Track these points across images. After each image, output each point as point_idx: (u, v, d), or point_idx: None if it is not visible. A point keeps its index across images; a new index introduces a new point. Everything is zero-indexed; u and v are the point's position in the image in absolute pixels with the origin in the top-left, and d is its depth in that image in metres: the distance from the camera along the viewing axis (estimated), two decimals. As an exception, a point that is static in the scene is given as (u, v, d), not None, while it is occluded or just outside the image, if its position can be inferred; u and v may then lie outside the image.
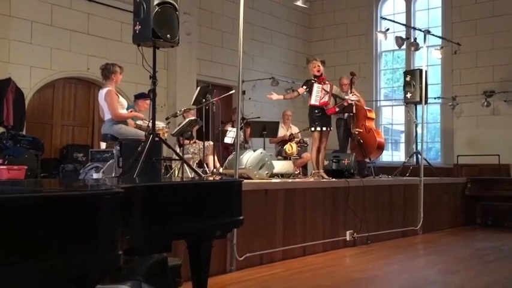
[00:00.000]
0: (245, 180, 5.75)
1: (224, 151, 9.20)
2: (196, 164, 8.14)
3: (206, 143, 7.54)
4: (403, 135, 13.52)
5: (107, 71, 5.83)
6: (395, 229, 7.45)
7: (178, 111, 6.70)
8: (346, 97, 7.05)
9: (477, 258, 5.94)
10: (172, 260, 3.72)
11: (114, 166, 5.19)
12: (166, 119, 6.42)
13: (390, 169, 9.88)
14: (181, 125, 6.84)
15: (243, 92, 12.29)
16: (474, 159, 10.90)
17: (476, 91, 11.24)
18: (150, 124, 4.90)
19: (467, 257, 6.02)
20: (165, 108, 10.64)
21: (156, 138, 4.98)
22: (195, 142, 8.21)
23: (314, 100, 6.84)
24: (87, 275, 2.09)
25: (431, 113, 12.36)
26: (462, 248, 6.78)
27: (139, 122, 5.74)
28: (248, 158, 6.26)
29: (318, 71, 7.02)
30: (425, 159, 8.67)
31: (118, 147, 5.20)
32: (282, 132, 9.01)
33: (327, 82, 6.99)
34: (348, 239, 6.56)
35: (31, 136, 7.66)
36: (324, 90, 6.88)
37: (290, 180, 5.98)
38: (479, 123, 11.35)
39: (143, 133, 5.43)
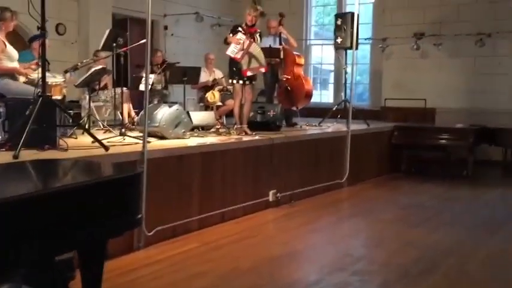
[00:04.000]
0: (157, 143, 5.18)
1: (142, 99, 8.47)
2: (109, 112, 7.42)
3: (120, 90, 6.80)
4: (332, 75, 13.20)
5: (-5, 17, 4.92)
6: (320, 184, 7.16)
7: (79, 63, 5.87)
8: (262, 66, 6.26)
9: (402, 222, 5.74)
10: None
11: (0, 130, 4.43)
12: (65, 72, 5.61)
13: (318, 111, 9.56)
14: (86, 75, 6.05)
15: (165, 27, 11.43)
16: (401, 102, 10.74)
17: (406, 33, 10.93)
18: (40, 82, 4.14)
19: (392, 220, 5.81)
20: (76, 45, 9.66)
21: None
22: (106, 88, 7.44)
23: (230, 51, 6.18)
24: None
25: (361, 53, 12.01)
26: (386, 206, 6.60)
27: (33, 76, 4.91)
28: (162, 115, 5.63)
29: (251, 21, 6.33)
30: (353, 108, 8.32)
31: (3, 108, 4.42)
32: (204, 77, 8.35)
33: (255, 36, 6.31)
34: (270, 200, 6.19)
35: None
36: (243, 44, 6.16)
37: (208, 143, 5.42)
38: (408, 66, 11.13)
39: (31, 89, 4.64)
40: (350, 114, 7.77)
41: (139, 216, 2.81)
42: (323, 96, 13.11)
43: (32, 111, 4.04)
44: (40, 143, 4.25)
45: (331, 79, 13.11)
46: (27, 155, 4.00)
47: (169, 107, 5.78)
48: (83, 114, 7.16)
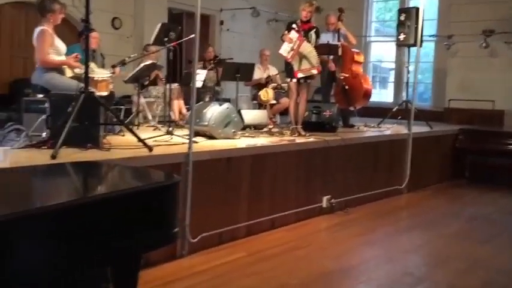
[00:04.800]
0: (204, 144, 4.92)
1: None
2: (161, 108, 7.24)
3: (171, 86, 6.60)
4: (392, 73, 12.63)
5: (43, 9, 4.76)
6: (378, 189, 6.72)
7: (127, 58, 5.67)
8: (314, 67, 5.82)
9: (467, 237, 5.24)
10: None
11: (44, 127, 4.26)
12: (113, 67, 5.42)
13: (377, 111, 9.09)
14: (135, 71, 5.85)
15: (221, 22, 11.22)
16: (467, 104, 10.10)
17: (474, 30, 10.23)
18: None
19: (456, 234, 5.32)
20: (132, 39, 9.57)
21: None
22: (158, 84, 7.26)
23: (282, 50, 5.83)
24: None
25: (423, 51, 11.39)
26: (449, 217, 6.09)
27: (77, 70, 4.74)
28: (212, 113, 5.35)
29: (306, 17, 5.97)
30: (415, 109, 7.78)
31: (48, 103, 4.26)
32: (258, 74, 8.03)
33: (310, 33, 5.93)
34: (324, 206, 5.81)
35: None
36: (295, 43, 5.80)
37: (259, 144, 5.09)
38: (475, 66, 10.43)
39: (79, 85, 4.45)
40: (412, 116, 7.27)
41: (176, 230, 2.53)
42: (382, 95, 12.57)
43: (73, 107, 3.84)
44: (82, 142, 4.05)
45: (391, 78, 12.55)
46: (68, 154, 3.81)
47: (220, 105, 5.49)
48: (133, 110, 7.02)
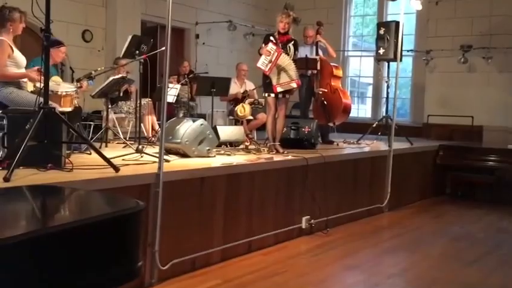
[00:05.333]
0: (176, 163, 4.62)
1: (168, 110, 7.96)
2: (132, 124, 6.92)
3: (143, 101, 6.30)
4: (370, 88, 12.51)
5: (1, 18, 4.43)
6: (359, 208, 6.48)
7: (93, 71, 5.34)
8: (293, 80, 5.58)
9: (453, 258, 5.01)
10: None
11: (0, 146, 3.91)
12: (78, 80, 5.10)
13: (356, 126, 8.91)
14: (103, 85, 5.53)
15: (197, 36, 10.96)
16: (446, 119, 9.99)
17: (452, 45, 10.17)
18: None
19: (442, 255, 5.09)
20: (104, 53, 9.25)
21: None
22: (129, 99, 6.94)
23: (260, 63, 5.59)
24: None
25: (401, 66, 11.29)
26: (433, 237, 5.87)
27: (39, 84, 4.39)
28: (185, 130, 5.05)
29: (283, 28, 5.73)
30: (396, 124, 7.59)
31: (5, 120, 3.92)
32: (234, 88, 7.77)
33: (288, 46, 5.70)
34: (303, 227, 5.54)
35: None
36: (272, 56, 5.56)
37: (235, 163, 4.81)
38: (453, 81, 10.36)
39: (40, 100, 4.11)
40: (393, 132, 7.07)
41: (139, 264, 2.22)
42: (360, 110, 12.41)
43: (31, 125, 3.51)
44: (42, 162, 3.72)
45: (369, 92, 12.43)
46: (25, 175, 3.48)
47: (193, 121, 5.20)
48: (103, 126, 6.69)
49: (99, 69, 5.53)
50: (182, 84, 7.56)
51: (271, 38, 5.69)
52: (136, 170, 4.09)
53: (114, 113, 6.83)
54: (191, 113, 7.64)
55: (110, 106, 6.79)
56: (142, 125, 6.79)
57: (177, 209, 4.10)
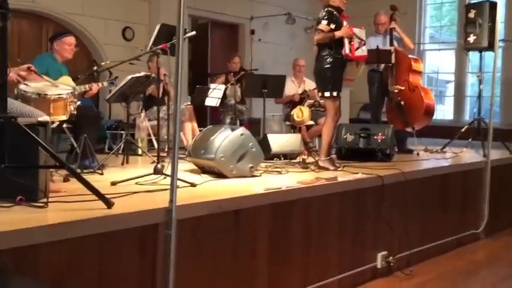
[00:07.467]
0: (205, 187, 3.46)
1: (213, 115, 6.86)
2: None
3: (181, 105, 5.23)
4: (449, 86, 10.98)
5: None
6: (448, 237, 5.10)
7: (96, 67, 4.26)
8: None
9: None
10: None
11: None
12: (76, 79, 4.03)
13: (437, 130, 7.50)
14: (118, 87, 4.45)
15: (252, 32, 9.85)
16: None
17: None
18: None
19: None
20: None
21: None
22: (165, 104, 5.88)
23: (348, 49, 4.40)
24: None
25: (487, 59, 9.75)
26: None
27: (22, 87, 3.32)
28: (220, 142, 3.87)
29: (344, 3, 4.56)
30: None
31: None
32: (291, 88, 6.56)
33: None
34: (379, 266, 4.25)
35: None
36: (357, 36, 4.45)
37: (284, 187, 3.56)
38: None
39: (37, 112, 3.06)
40: (490, 139, 5.62)
41: None
42: (439, 112, 10.88)
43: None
44: (9, 194, 2.66)
45: (449, 91, 10.90)
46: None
47: (232, 130, 4.01)
48: (136, 136, 5.67)
49: (103, 64, 4.45)
50: (231, 84, 6.46)
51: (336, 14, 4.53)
52: (143, 201, 2.96)
53: (149, 120, 5.80)
54: (240, 118, 6.52)
55: (143, 111, 5.79)
56: (182, 133, 5.74)
57: (199, 256, 2.93)
